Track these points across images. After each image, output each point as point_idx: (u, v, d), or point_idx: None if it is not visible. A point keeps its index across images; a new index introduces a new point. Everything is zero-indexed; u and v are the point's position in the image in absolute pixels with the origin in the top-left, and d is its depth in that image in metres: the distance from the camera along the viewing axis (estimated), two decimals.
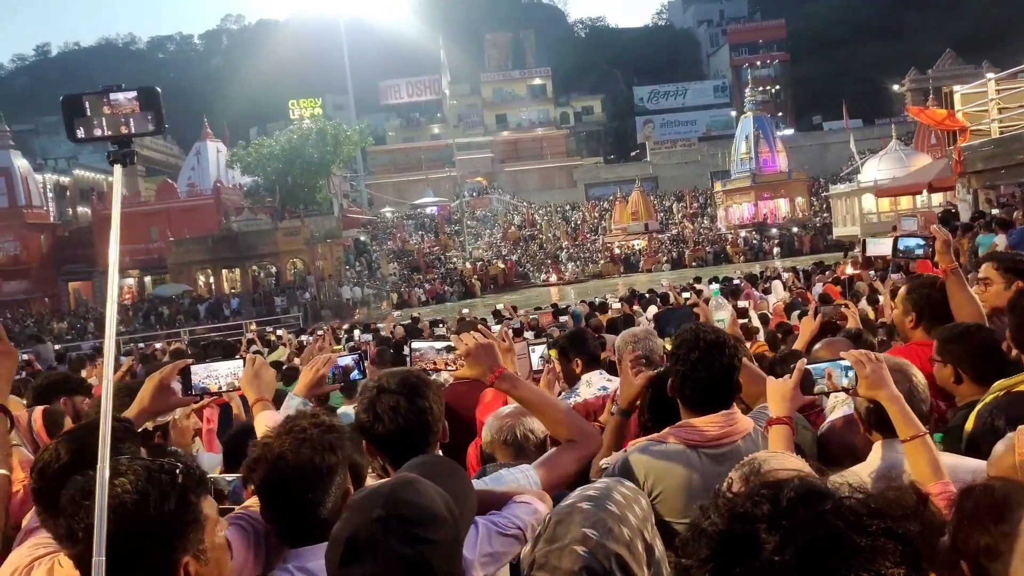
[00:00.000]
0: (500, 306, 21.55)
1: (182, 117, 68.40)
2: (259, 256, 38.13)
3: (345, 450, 1.85)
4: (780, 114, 65.76)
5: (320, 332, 15.09)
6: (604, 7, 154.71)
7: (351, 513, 1.39)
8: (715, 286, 13.50)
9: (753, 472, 1.65)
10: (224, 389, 2.69)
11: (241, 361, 2.65)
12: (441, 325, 18.61)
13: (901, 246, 3.66)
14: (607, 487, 1.55)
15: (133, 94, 2.04)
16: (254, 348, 13.03)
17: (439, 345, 2.61)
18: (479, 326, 3.15)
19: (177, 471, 1.50)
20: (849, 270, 14.17)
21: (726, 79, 73.68)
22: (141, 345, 23.73)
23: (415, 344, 2.64)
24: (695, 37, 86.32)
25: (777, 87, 72.56)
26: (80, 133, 2.01)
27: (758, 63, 72.06)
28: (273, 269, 38.74)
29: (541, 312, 18.80)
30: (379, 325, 19.19)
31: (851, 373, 2.15)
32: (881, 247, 4.15)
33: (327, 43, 70.59)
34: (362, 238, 48.59)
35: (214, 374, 2.59)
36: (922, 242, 3.61)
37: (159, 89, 2.06)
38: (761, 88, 54.40)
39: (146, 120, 2.03)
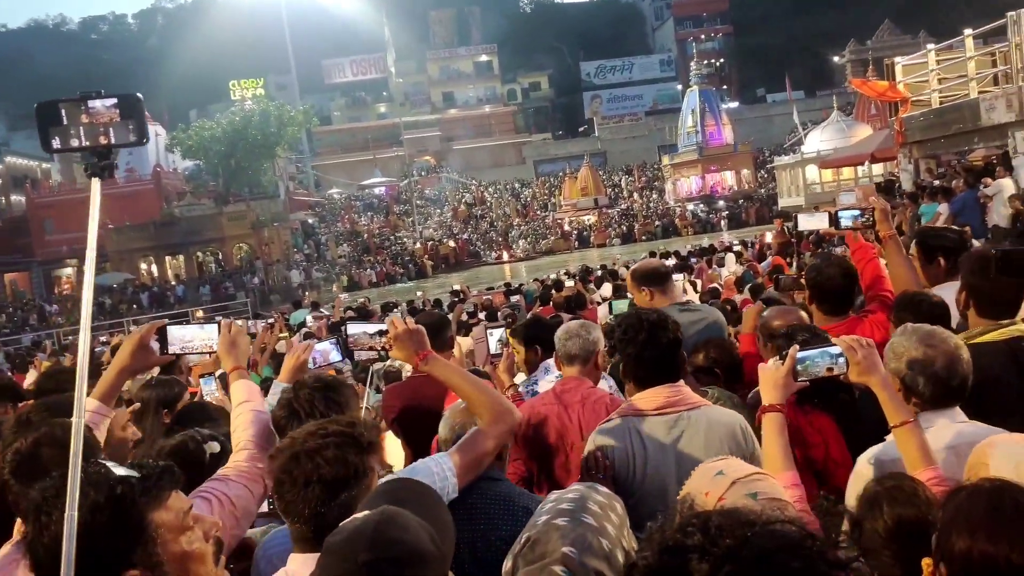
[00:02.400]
0: (457, 286, 21.47)
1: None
2: (204, 242, 37.27)
3: (368, 461, 1.81)
4: (725, 87, 66.27)
5: (270, 320, 14.78)
6: None
7: (332, 557, 1.29)
8: (606, 287, 13.35)
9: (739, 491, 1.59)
10: (198, 353, 2.73)
11: (216, 326, 2.62)
12: (395, 310, 18.29)
13: (843, 217, 3.69)
14: (582, 496, 1.53)
15: (113, 101, 1.94)
16: None
17: (372, 329, 2.74)
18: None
19: (118, 485, 1.43)
20: (768, 238, 14.38)
21: (671, 53, 73.97)
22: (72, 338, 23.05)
23: (350, 329, 2.73)
24: (640, 11, 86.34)
25: (722, 60, 73.07)
26: (56, 143, 1.91)
27: (703, 36, 72.43)
28: (219, 255, 37.90)
29: (494, 292, 18.74)
30: (322, 310, 18.82)
31: (841, 359, 2.16)
32: (813, 222, 4.09)
33: (267, 21, 68.88)
34: (310, 220, 47.84)
35: (191, 339, 2.60)
36: (858, 213, 3.66)
37: (140, 96, 1.98)
38: (706, 61, 54.67)
39: (127, 130, 1.93)
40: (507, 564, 1.47)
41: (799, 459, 2.33)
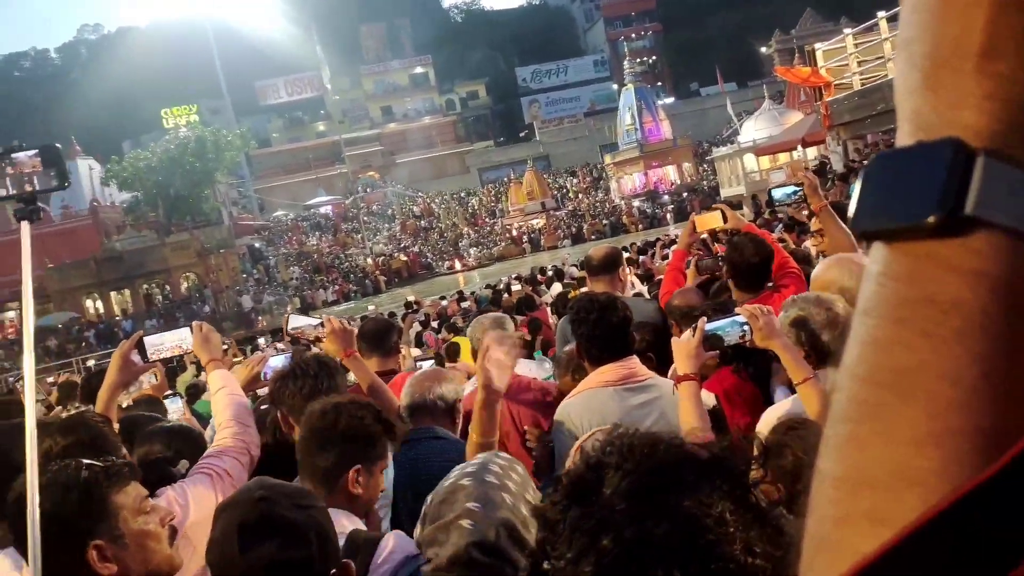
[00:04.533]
0: (411, 298, 21.48)
1: (47, 136, 64.62)
2: (148, 274, 36.51)
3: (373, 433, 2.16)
4: (659, 83, 67.29)
5: (224, 345, 14.62)
6: None
7: (228, 511, 1.55)
8: (556, 287, 13.52)
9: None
10: (171, 355, 3.06)
11: (185, 330, 2.95)
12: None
13: (777, 196, 3.92)
14: (483, 461, 1.64)
15: (34, 152, 2.14)
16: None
17: (314, 322, 3.38)
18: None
19: (84, 471, 1.73)
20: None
21: (604, 53, 74.82)
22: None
23: (293, 322, 3.17)
24: (570, 14, 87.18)
25: (654, 57, 74.16)
26: None
27: (633, 35, 73.42)
28: (165, 286, 37.21)
29: (448, 301, 18.81)
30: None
31: (746, 327, 2.36)
32: (710, 221, 4.35)
33: (195, 47, 67.85)
34: (257, 244, 47.24)
35: (163, 344, 2.95)
36: (792, 189, 3.90)
37: (59, 145, 2.19)
38: (639, 60, 55.46)
39: (49, 177, 2.14)
40: (417, 529, 1.57)
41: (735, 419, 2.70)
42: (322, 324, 3.17)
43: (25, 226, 2.11)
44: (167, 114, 59.08)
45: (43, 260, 36.94)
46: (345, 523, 1.90)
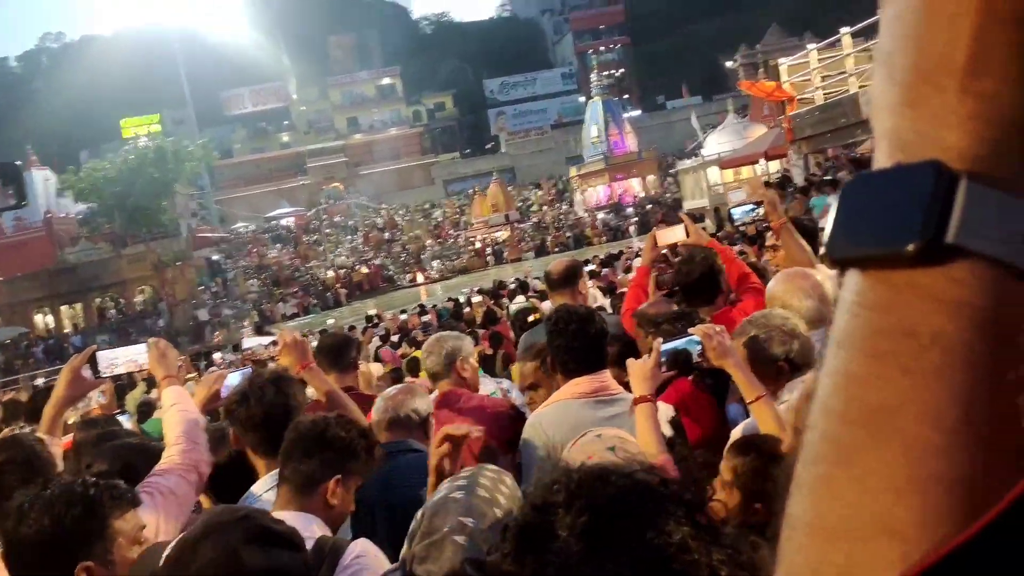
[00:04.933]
0: (373, 311, 21.17)
1: (4, 145, 63.20)
2: (102, 287, 35.62)
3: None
4: (626, 96, 67.71)
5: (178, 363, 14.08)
6: (447, 2, 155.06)
7: (216, 535, 1.50)
8: (520, 299, 13.30)
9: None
10: (125, 371, 3.01)
11: (141, 346, 2.91)
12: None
13: (736, 215, 3.98)
14: (472, 474, 1.65)
15: None
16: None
17: (266, 341, 3.84)
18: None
19: (91, 488, 1.77)
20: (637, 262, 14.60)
21: (572, 66, 75.16)
22: None
23: (246, 343, 3.30)
24: (539, 26, 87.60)
25: (621, 70, 74.65)
26: None
27: (601, 48, 73.82)
28: (119, 299, 36.31)
29: (408, 314, 18.47)
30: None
31: (700, 345, 2.44)
32: (671, 236, 4.35)
33: (159, 57, 67.05)
34: (215, 257, 46.36)
35: (117, 359, 2.89)
36: (751, 207, 3.96)
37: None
38: (606, 72, 55.70)
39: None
40: (404, 548, 1.56)
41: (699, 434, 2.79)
42: (275, 342, 3.11)
43: None
44: (127, 124, 58.11)
45: None
46: (315, 529, 1.95)
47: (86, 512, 1.73)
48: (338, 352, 3.90)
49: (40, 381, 24.36)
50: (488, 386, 4.01)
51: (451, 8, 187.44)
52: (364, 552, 1.84)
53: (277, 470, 2.22)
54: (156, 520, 2.08)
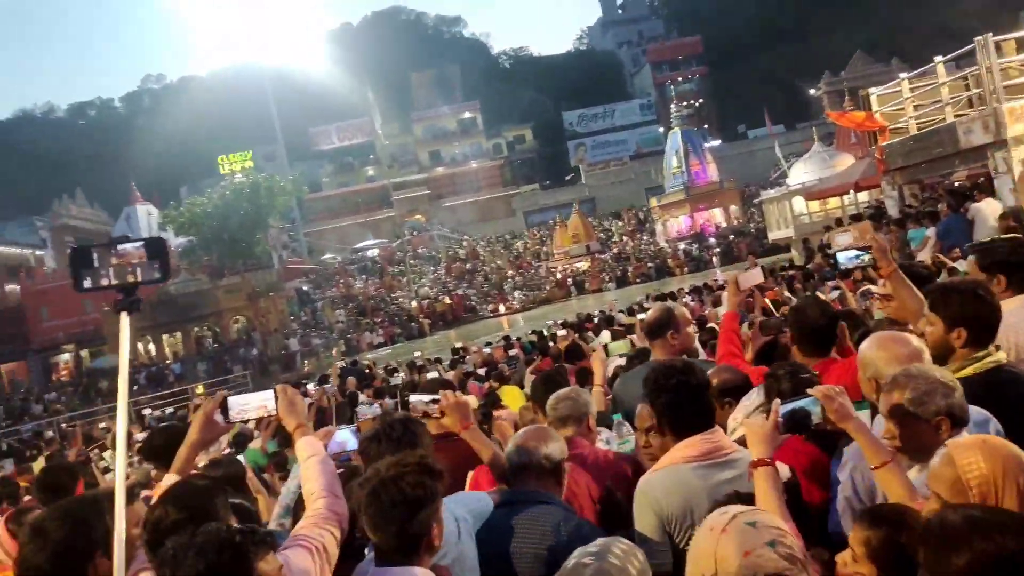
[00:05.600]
0: (459, 343, 21.47)
1: (109, 182, 66.95)
2: (200, 317, 37.15)
3: (436, 490, 2.21)
4: (706, 126, 67.28)
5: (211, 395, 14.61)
6: (526, 37, 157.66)
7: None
8: (605, 335, 13.31)
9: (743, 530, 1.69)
10: (256, 416, 2.97)
11: (269, 392, 2.87)
12: (396, 374, 18.15)
13: (841, 261, 3.74)
14: (606, 543, 1.68)
15: (140, 243, 2.21)
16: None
17: (427, 399, 3.13)
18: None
19: (236, 535, 1.85)
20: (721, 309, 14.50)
21: (651, 97, 75.19)
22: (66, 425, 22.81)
23: (411, 399, 3.15)
24: (617, 59, 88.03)
25: (700, 100, 74.27)
26: (87, 283, 2.19)
27: (680, 79, 73.82)
28: (216, 329, 37.81)
29: (493, 347, 18.68)
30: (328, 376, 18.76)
31: (818, 407, 2.28)
32: (752, 278, 4.37)
33: (252, 95, 70.08)
34: (305, 288, 47.89)
35: (248, 404, 2.86)
36: (858, 253, 3.71)
37: (165, 239, 2.34)
38: (685, 103, 55.56)
39: (153, 268, 2.21)
40: None
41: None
42: (434, 401, 3.13)
43: (124, 317, 2.20)
44: (223, 160, 60.78)
45: (101, 303, 37.97)
46: None
47: (237, 556, 1.81)
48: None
49: (145, 412, 25.29)
50: (609, 437, 3.99)
51: (529, 42, 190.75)
52: None
53: None
54: (315, 566, 2.14)
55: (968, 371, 2.67)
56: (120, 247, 2.15)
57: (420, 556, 2.15)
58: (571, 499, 3.00)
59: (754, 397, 3.13)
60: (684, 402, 2.66)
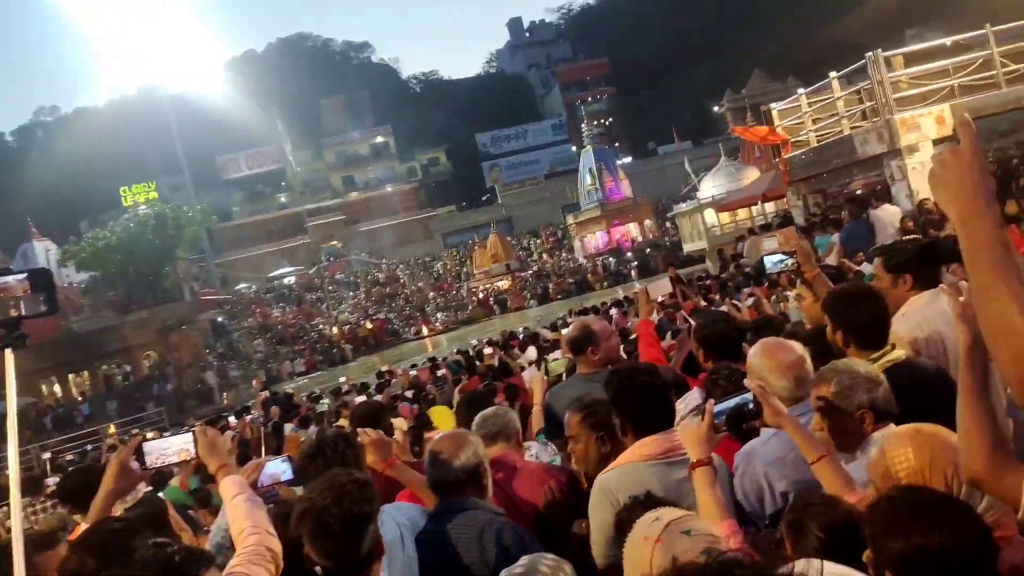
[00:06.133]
0: (385, 367, 21.20)
1: (4, 219, 63.66)
2: (107, 354, 35.66)
3: (377, 501, 2.21)
4: (617, 144, 68.73)
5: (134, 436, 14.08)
6: (435, 61, 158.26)
7: None
8: (531, 351, 13.42)
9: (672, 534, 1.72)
10: (177, 460, 2.87)
11: (189, 435, 2.77)
12: (320, 401, 17.88)
13: (768, 265, 3.90)
14: (531, 564, 1.62)
15: (23, 276, 2.11)
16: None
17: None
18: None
19: (175, 555, 1.82)
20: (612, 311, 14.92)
21: (562, 117, 76.45)
22: None
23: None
24: (527, 81, 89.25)
25: (610, 119, 75.95)
26: None
27: (589, 99, 75.29)
28: (126, 366, 36.33)
29: (419, 368, 18.54)
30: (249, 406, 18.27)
31: (751, 406, 2.33)
32: (661, 288, 4.66)
33: (153, 125, 67.95)
34: (220, 319, 46.51)
35: (168, 449, 2.77)
36: (783, 257, 3.88)
37: (50, 269, 2.20)
38: (596, 122, 56.84)
39: (38, 301, 2.13)
40: None
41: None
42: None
43: (8, 355, 2.09)
44: (126, 192, 58.61)
45: None
46: None
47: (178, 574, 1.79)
48: (374, 419, 3.99)
49: (45, 456, 24.18)
50: (539, 451, 4.02)
51: (439, 66, 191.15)
52: None
53: None
54: None
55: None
56: (0, 280, 2.03)
57: (372, 569, 2.14)
58: (509, 508, 3.00)
59: (692, 398, 3.22)
60: (648, 403, 2.72)
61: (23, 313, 2.07)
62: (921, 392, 2.57)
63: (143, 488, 3.83)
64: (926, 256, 3.46)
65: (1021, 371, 1.33)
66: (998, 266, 1.35)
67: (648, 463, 2.62)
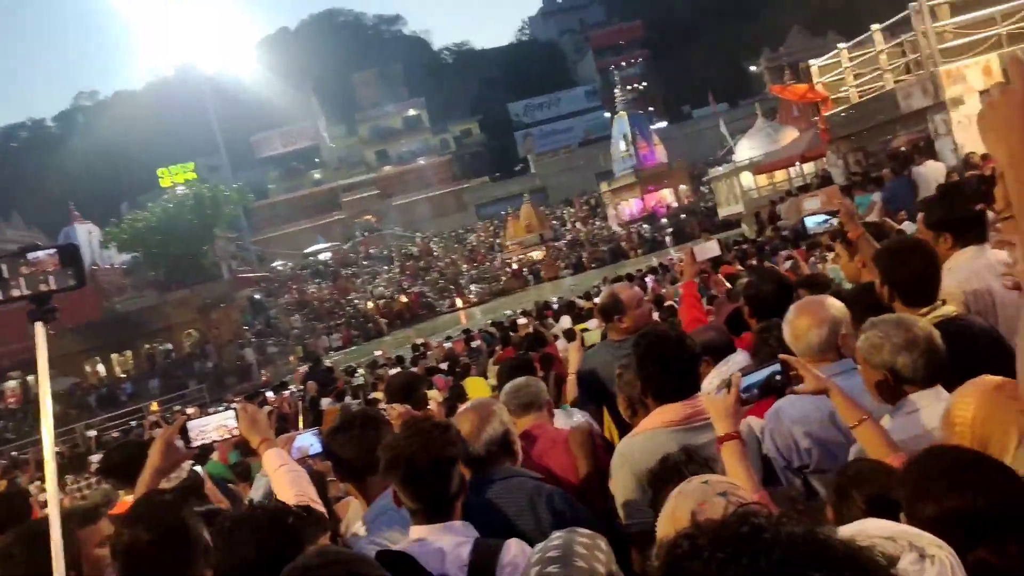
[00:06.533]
0: (420, 340, 21.27)
1: (46, 204, 65.01)
2: (150, 333, 36.31)
3: (459, 443, 2.30)
4: (651, 109, 67.69)
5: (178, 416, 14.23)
6: (467, 31, 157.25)
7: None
8: (565, 320, 13.28)
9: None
10: (218, 437, 2.95)
11: (230, 412, 2.87)
12: (356, 375, 18.02)
13: (810, 225, 3.85)
14: (566, 542, 1.61)
15: (52, 250, 2.16)
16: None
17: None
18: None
19: (289, 516, 1.94)
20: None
21: (595, 83, 75.45)
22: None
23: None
24: (560, 47, 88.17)
25: (645, 83, 74.71)
26: None
27: (623, 64, 74.06)
28: (168, 344, 36.98)
29: (454, 340, 18.51)
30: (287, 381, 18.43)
31: (779, 376, 2.26)
32: (708, 251, 4.53)
33: (190, 107, 68.71)
34: (257, 296, 47.04)
35: (208, 426, 2.86)
36: (825, 218, 3.83)
37: (78, 244, 2.24)
38: (630, 87, 55.77)
39: (67, 275, 2.15)
40: None
41: None
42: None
43: (39, 328, 2.15)
44: (164, 173, 59.36)
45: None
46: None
47: (288, 539, 1.85)
48: (408, 390, 3.99)
49: (90, 433, 24.69)
50: (559, 420, 3.96)
51: (471, 36, 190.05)
52: (520, 549, 2.05)
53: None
54: None
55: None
56: (31, 255, 2.10)
57: (455, 507, 2.23)
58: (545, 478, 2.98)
59: (736, 360, 3.17)
60: (674, 371, 2.69)
61: (53, 287, 2.11)
62: (969, 349, 2.51)
63: (187, 466, 3.90)
64: (968, 213, 3.34)
65: None
66: None
67: (670, 429, 2.63)
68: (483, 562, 2.08)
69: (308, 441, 3.04)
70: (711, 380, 3.05)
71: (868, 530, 1.35)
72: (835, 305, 2.72)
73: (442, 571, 2.10)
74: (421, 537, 2.17)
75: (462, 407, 3.06)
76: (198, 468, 5.87)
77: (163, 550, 2.01)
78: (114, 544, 2.14)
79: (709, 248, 4.56)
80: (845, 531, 1.21)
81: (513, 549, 2.10)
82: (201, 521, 2.21)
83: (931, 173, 11.07)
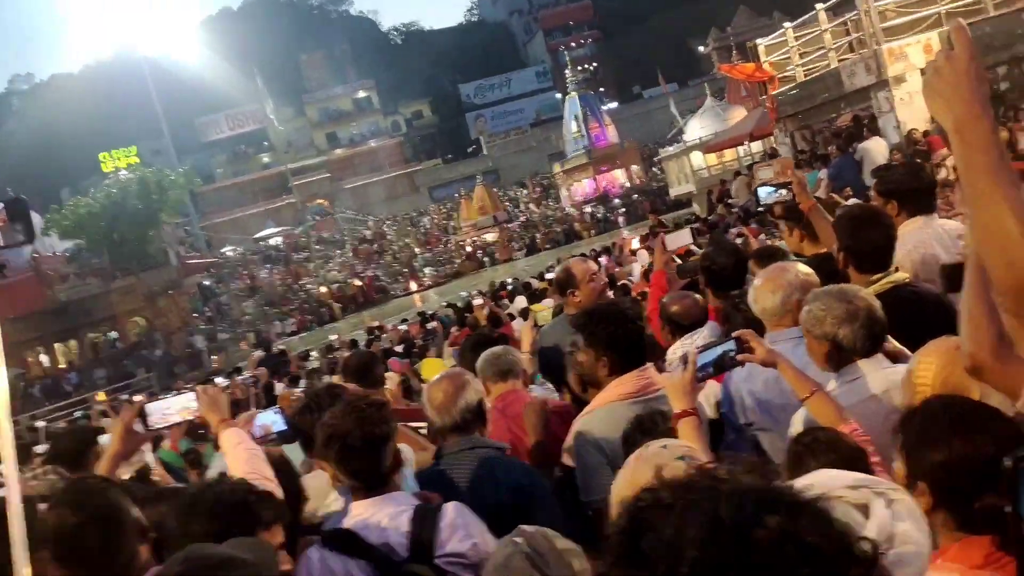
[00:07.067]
0: (375, 323, 21.16)
1: None
2: (95, 322, 35.44)
3: (393, 421, 2.35)
4: (602, 89, 67.75)
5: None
6: (415, 12, 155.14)
7: None
8: (520, 300, 13.37)
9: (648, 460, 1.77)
10: (180, 420, 2.94)
11: (190, 394, 2.85)
12: (310, 356, 17.96)
13: (762, 196, 3.90)
14: (540, 544, 1.72)
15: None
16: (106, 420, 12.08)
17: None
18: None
19: (251, 495, 1.97)
20: (635, 244, 14.70)
21: (545, 64, 75.24)
22: None
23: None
24: (509, 28, 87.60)
25: (595, 64, 74.73)
26: None
27: (573, 44, 73.92)
28: (114, 333, 36.12)
29: (409, 323, 18.49)
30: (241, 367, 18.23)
31: (732, 352, 2.30)
32: (679, 239, 4.53)
33: (131, 89, 66.56)
34: (207, 283, 46.14)
35: (169, 409, 2.85)
36: (775, 189, 3.89)
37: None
38: (580, 68, 55.75)
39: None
40: None
41: None
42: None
43: None
44: (106, 158, 57.69)
45: None
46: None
47: (247, 515, 1.89)
48: (364, 370, 3.98)
49: (38, 424, 24.10)
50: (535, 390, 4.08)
51: (419, 17, 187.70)
52: (458, 511, 2.18)
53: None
54: None
55: (872, 289, 2.79)
56: None
57: (392, 481, 2.30)
58: (515, 444, 3.11)
59: (704, 333, 3.27)
60: (622, 339, 2.77)
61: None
62: (918, 313, 2.64)
63: (147, 450, 3.89)
64: (914, 182, 3.46)
65: (1014, 278, 1.33)
66: (993, 170, 1.32)
67: (627, 402, 2.68)
68: (424, 528, 2.16)
69: (271, 419, 3.08)
70: (675, 351, 3.13)
71: (823, 480, 1.38)
72: (796, 271, 2.77)
73: (384, 541, 2.16)
74: (361, 512, 2.23)
75: (434, 377, 3.10)
76: (150, 455, 5.81)
77: (91, 531, 1.99)
78: (41, 527, 2.08)
79: (681, 236, 4.57)
80: (799, 482, 1.26)
81: (451, 512, 2.19)
82: (131, 501, 2.17)
83: (875, 149, 11.34)
